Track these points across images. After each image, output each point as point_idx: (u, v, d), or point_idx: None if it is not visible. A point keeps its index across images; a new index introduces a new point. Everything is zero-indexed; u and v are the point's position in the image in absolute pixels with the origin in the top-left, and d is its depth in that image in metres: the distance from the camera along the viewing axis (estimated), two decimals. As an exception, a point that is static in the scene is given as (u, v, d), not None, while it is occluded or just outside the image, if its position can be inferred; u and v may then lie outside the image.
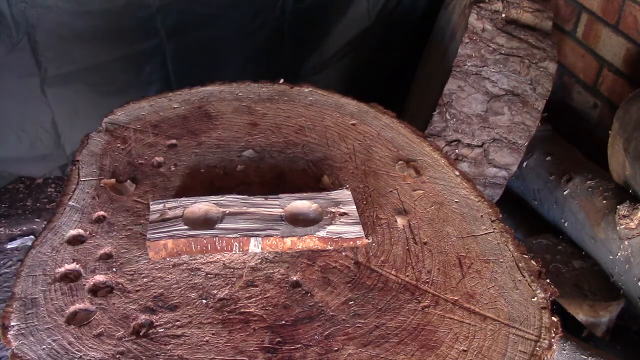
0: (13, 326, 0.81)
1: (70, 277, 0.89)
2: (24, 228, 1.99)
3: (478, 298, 0.88)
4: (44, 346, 0.78)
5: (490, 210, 1.04)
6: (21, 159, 2.05)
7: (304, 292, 0.88)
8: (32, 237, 1.96)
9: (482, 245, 0.97)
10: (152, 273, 0.89)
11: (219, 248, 0.92)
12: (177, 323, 0.82)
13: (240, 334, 0.81)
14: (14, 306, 0.84)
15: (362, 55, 2.32)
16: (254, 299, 0.86)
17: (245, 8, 2.12)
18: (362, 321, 0.84)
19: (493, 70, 1.80)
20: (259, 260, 0.92)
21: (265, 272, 0.91)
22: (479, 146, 1.84)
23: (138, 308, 0.84)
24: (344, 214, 0.97)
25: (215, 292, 0.87)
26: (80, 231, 0.96)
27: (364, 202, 1.04)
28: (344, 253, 0.94)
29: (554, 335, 0.83)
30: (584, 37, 2.02)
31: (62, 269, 0.89)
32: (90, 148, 1.14)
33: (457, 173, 1.11)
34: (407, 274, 0.91)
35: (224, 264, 0.91)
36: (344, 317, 0.84)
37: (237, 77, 1.36)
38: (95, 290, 0.87)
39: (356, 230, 0.94)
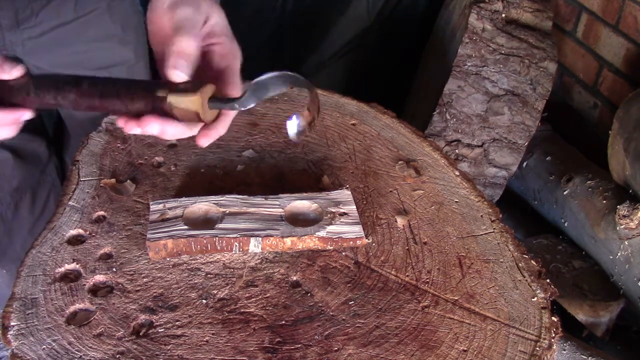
0: (13, 326, 0.81)
1: (70, 277, 0.89)
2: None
3: (478, 298, 0.88)
4: (44, 346, 0.78)
5: (490, 210, 1.04)
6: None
7: (304, 292, 0.88)
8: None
9: (482, 245, 0.97)
10: (152, 273, 0.89)
11: (219, 248, 0.92)
12: (177, 323, 0.82)
13: (240, 334, 0.81)
14: (14, 306, 0.84)
15: (362, 55, 2.32)
16: (254, 299, 0.86)
17: (245, 8, 2.12)
18: (362, 321, 0.84)
19: (493, 70, 1.80)
20: (259, 260, 0.92)
21: (265, 272, 0.91)
22: (479, 146, 1.84)
23: (138, 308, 0.84)
24: (344, 214, 0.97)
25: (215, 292, 0.87)
26: (80, 231, 0.96)
27: (364, 202, 1.04)
28: (344, 253, 0.94)
29: (554, 335, 0.83)
30: (584, 37, 2.02)
31: (62, 269, 0.89)
32: (90, 148, 1.14)
33: (457, 173, 1.11)
34: (407, 274, 0.91)
35: (224, 264, 0.91)
36: (344, 317, 0.84)
37: (237, 77, 1.35)
38: (95, 290, 0.87)
39: (356, 230, 0.94)
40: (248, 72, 1.41)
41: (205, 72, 0.82)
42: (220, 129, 0.82)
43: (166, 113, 0.77)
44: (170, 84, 0.76)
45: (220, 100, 0.79)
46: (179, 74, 0.76)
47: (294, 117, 0.78)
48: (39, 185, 1.39)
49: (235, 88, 0.83)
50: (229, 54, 0.84)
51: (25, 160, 1.33)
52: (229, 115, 0.83)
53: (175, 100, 0.75)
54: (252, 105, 0.78)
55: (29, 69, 0.80)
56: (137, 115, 0.78)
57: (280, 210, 0.96)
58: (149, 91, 0.76)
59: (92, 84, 0.78)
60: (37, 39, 1.18)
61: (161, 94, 0.76)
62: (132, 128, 0.78)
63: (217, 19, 0.83)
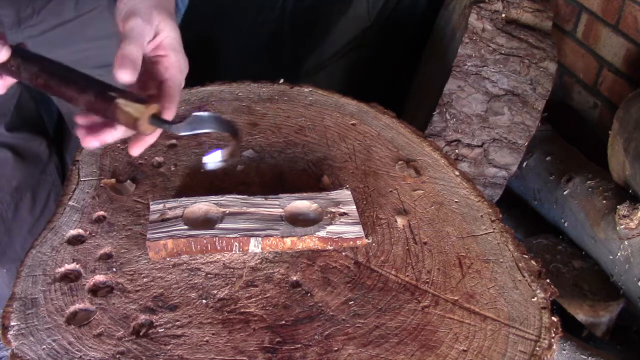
0: (13, 326, 0.81)
1: (70, 277, 0.89)
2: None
3: (478, 298, 0.88)
4: (44, 346, 0.78)
5: (490, 210, 1.04)
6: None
7: (304, 292, 0.88)
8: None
9: (482, 245, 0.97)
10: (152, 273, 0.89)
11: (219, 248, 0.92)
12: (177, 323, 0.82)
13: (240, 334, 0.81)
14: (14, 306, 0.84)
15: (362, 55, 2.32)
16: (254, 299, 0.86)
17: (245, 8, 2.12)
18: (362, 321, 0.84)
19: (493, 70, 1.80)
20: (259, 260, 0.92)
21: (265, 272, 0.91)
22: (479, 146, 1.84)
23: (138, 308, 0.84)
24: (344, 214, 0.97)
25: (215, 292, 0.87)
26: (80, 231, 0.96)
27: (364, 202, 1.04)
28: (344, 253, 0.94)
29: (554, 335, 0.83)
30: (584, 37, 2.02)
31: (62, 269, 0.90)
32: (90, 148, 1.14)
33: (457, 173, 1.11)
34: (407, 274, 0.91)
35: (224, 264, 0.91)
36: (344, 317, 0.84)
37: (237, 77, 1.36)
38: (95, 290, 0.87)
39: (356, 230, 0.94)
40: (249, 72, 1.41)
41: (149, 82, 0.87)
42: (150, 140, 0.86)
43: (110, 112, 0.82)
44: (123, 92, 0.83)
45: (159, 119, 0.84)
46: (124, 73, 0.80)
47: (216, 151, 0.86)
48: (39, 185, 1.39)
49: (172, 101, 0.86)
50: (173, 67, 0.87)
51: (25, 159, 1.33)
52: (159, 132, 0.87)
53: (122, 103, 0.81)
54: (184, 134, 0.85)
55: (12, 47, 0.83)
56: (86, 108, 0.83)
57: (280, 210, 0.96)
58: (102, 88, 0.83)
59: (56, 66, 0.85)
60: (38, 38, 1.18)
61: (112, 94, 0.82)
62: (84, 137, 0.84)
63: (168, 33, 0.87)
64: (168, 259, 0.92)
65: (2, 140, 1.28)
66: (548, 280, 0.91)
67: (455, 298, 0.88)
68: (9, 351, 0.78)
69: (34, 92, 1.40)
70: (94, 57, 1.26)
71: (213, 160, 0.86)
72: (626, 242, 1.50)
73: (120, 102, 0.81)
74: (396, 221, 1.00)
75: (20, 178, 1.33)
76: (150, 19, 0.85)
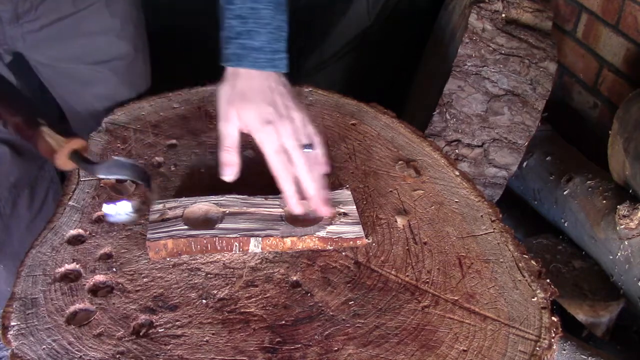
0: (13, 326, 0.81)
1: (70, 277, 0.89)
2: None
3: (478, 298, 0.88)
4: (44, 346, 0.78)
5: (490, 210, 1.04)
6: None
7: (304, 292, 0.88)
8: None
9: (482, 245, 0.97)
10: (152, 273, 0.89)
11: (219, 248, 0.92)
12: (177, 323, 0.82)
13: (240, 334, 0.81)
14: (14, 306, 0.84)
15: (362, 55, 2.31)
16: (254, 299, 0.86)
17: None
18: (362, 321, 0.84)
19: (493, 70, 1.80)
20: (259, 260, 0.92)
21: (265, 272, 0.91)
22: (479, 146, 1.84)
23: (138, 308, 0.84)
24: (344, 214, 0.97)
25: (215, 292, 0.87)
26: (80, 231, 0.96)
27: (364, 202, 1.04)
28: (344, 253, 0.94)
29: (554, 335, 0.83)
30: (584, 37, 2.02)
31: (62, 269, 0.90)
32: (90, 148, 1.14)
33: (457, 173, 1.11)
34: (407, 274, 0.91)
35: (224, 264, 0.91)
36: (344, 317, 0.84)
37: (238, 77, 1.35)
38: (95, 290, 0.87)
39: (356, 230, 0.94)
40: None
41: None
42: None
43: (33, 138, 0.87)
44: (53, 123, 0.88)
45: (79, 157, 0.89)
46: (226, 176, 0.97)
47: (123, 202, 0.90)
48: (37, 181, 1.38)
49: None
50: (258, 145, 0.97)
51: (23, 155, 1.33)
52: None
53: (46, 132, 0.86)
54: (101, 177, 0.90)
55: None
56: (14, 130, 0.89)
57: (280, 210, 0.96)
58: (33, 114, 0.88)
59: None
60: (37, 33, 1.19)
61: (40, 121, 0.87)
62: None
63: (244, 119, 0.96)
64: (168, 259, 0.92)
65: (0, 136, 1.28)
66: (548, 280, 0.91)
67: (455, 298, 0.88)
68: (9, 351, 0.78)
69: (34, 89, 1.39)
70: (92, 53, 1.27)
71: (118, 211, 0.88)
72: (626, 242, 1.50)
73: (44, 130, 0.85)
74: (396, 221, 1.00)
75: (18, 174, 1.32)
76: (227, 116, 0.94)
